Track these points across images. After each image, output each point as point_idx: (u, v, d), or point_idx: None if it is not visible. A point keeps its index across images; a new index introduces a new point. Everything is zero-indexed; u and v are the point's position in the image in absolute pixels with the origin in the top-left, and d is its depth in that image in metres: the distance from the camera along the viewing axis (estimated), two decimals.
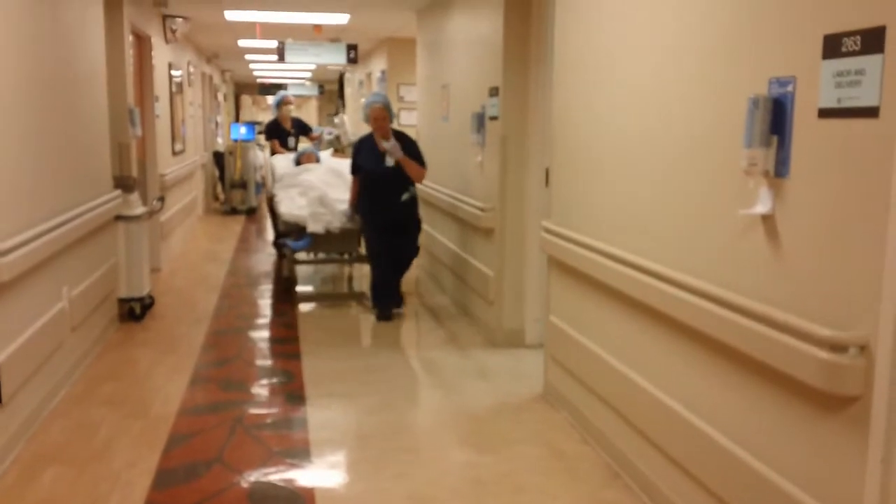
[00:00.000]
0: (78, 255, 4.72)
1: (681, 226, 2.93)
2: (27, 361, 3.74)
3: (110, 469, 3.47)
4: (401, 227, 6.16)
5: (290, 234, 6.76)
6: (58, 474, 3.42)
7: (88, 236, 4.94)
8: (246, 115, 24.95)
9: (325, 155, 8.48)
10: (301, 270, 7.67)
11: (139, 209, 5.96)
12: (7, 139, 3.62)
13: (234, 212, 13.00)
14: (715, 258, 2.69)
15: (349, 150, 8.46)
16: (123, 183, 5.88)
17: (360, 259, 7.05)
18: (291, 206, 6.73)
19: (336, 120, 13.37)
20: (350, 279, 7.84)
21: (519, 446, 3.77)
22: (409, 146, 6.11)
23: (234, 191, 13.22)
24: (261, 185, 12.87)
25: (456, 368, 4.97)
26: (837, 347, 2.07)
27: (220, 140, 15.81)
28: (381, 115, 6.06)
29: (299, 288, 7.24)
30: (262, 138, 11.24)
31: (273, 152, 9.12)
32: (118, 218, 5.72)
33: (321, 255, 7.18)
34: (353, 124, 12.30)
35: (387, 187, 6.08)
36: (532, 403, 4.33)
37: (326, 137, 10.14)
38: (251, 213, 12.90)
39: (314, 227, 6.48)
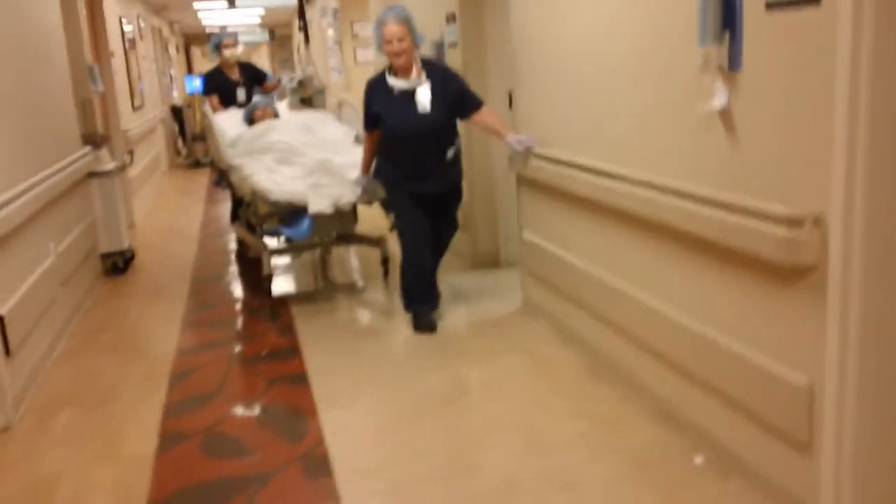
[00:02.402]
0: (58, 212, 4.80)
1: (642, 127, 3.09)
2: (27, 313, 3.86)
3: (120, 407, 3.64)
4: (442, 198, 4.41)
5: (272, 217, 5.05)
6: (71, 416, 3.58)
7: (66, 194, 5.00)
8: (198, 67, 24.55)
9: (283, 109, 6.64)
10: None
11: (110, 164, 6.00)
12: None
13: (197, 164, 12.98)
14: (676, 155, 2.86)
15: (320, 100, 6.99)
16: (92, 140, 5.91)
17: (350, 241, 5.54)
18: (273, 178, 4.84)
19: (298, 56, 10.49)
20: (325, 266, 5.95)
21: (502, 356, 3.97)
22: (450, 84, 4.25)
23: (195, 143, 13.17)
24: None
25: None
26: (794, 223, 2.27)
27: (175, 94, 15.63)
28: (399, 34, 4.09)
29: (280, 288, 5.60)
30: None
31: (215, 111, 6.56)
32: (91, 175, 5.77)
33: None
34: (321, 67, 10.41)
35: (425, 146, 4.22)
36: (512, 318, 4.51)
37: (288, 85, 7.70)
38: (214, 163, 12.86)
39: (319, 205, 4.58)
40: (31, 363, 3.86)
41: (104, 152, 6.03)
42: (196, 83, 13.21)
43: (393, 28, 4.09)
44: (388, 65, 4.24)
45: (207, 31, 20.76)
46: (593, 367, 3.70)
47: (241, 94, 6.89)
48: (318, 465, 2.97)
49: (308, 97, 7.17)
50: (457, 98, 4.23)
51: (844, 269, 2.18)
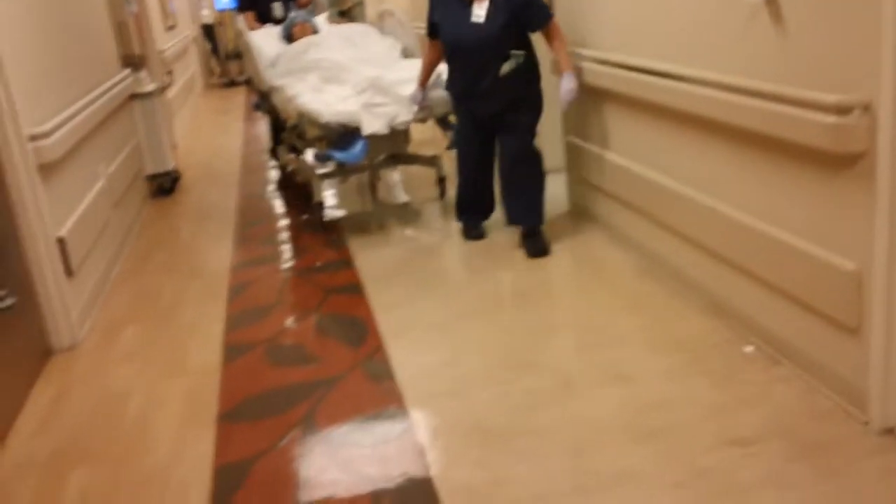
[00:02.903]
0: (105, 135, 4.89)
1: (688, 23, 3.05)
2: (85, 234, 3.99)
3: (182, 323, 3.78)
4: (500, 117, 4.04)
5: (321, 140, 4.71)
6: (135, 333, 3.74)
7: (111, 116, 5.08)
8: None
9: (322, 23, 6.25)
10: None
11: (150, 86, 6.05)
12: (25, 31, 3.73)
13: (232, 84, 12.98)
14: (724, 49, 2.83)
15: (359, 12, 6.48)
16: (130, 61, 5.96)
17: (403, 160, 5.28)
18: (322, 98, 4.58)
19: None
20: (375, 188, 5.71)
21: (553, 258, 4.03)
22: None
23: (229, 62, 13.13)
24: None
25: None
26: (843, 110, 2.26)
27: (205, 12, 15.49)
28: None
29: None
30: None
31: (251, 29, 6.27)
32: (133, 97, 5.83)
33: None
34: None
35: (476, 60, 3.95)
36: (560, 221, 4.53)
37: None
38: (250, 82, 12.85)
39: (374, 125, 4.36)
40: (92, 283, 4.02)
41: (143, 74, 6.08)
42: (226, 0, 13.07)
43: None
44: None
45: None
46: (643, 266, 3.75)
47: (278, 9, 6.58)
48: (379, 369, 3.09)
49: (346, 10, 6.70)
50: (520, 8, 3.87)
51: (893, 156, 2.18)
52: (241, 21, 6.23)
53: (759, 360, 2.83)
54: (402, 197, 5.53)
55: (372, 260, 4.30)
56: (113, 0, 6.12)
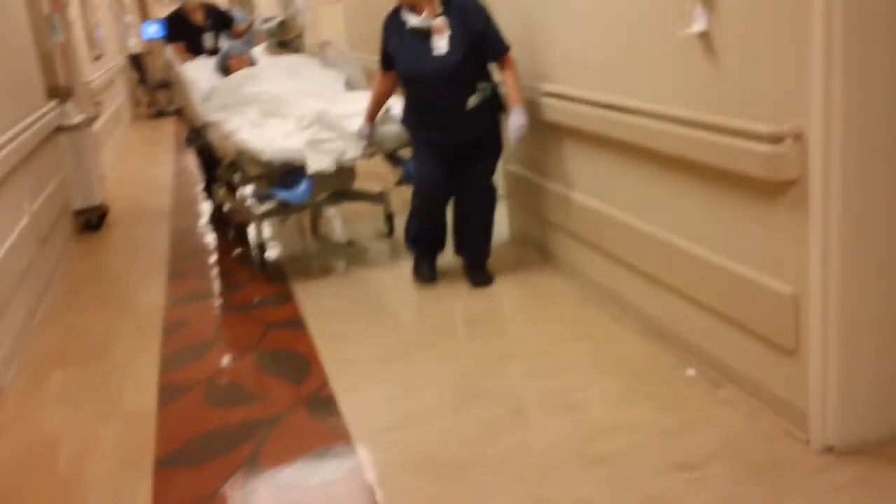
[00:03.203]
0: (30, 170, 4.72)
1: (627, 54, 3.10)
2: (9, 274, 3.84)
3: (116, 361, 3.66)
4: (463, 149, 3.88)
5: (261, 178, 4.55)
6: (65, 374, 3.59)
7: (36, 150, 4.92)
8: (154, 11, 23.86)
9: (259, 55, 5.98)
10: None
11: (78, 117, 5.90)
12: None
13: (161, 114, 12.76)
14: (661, 80, 2.89)
15: (298, 43, 6.16)
16: (57, 93, 5.79)
17: (349, 197, 4.91)
18: (263, 134, 4.31)
19: None
20: (316, 226, 5.40)
21: (497, 286, 4.02)
22: (473, 20, 3.73)
23: (158, 92, 12.91)
24: None
25: None
26: (775, 139, 2.32)
27: (132, 41, 15.23)
28: None
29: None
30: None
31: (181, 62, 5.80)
32: (59, 129, 5.67)
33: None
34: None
35: (439, 92, 3.79)
36: (502, 249, 4.50)
37: (262, 27, 6.58)
38: (180, 112, 12.66)
39: (320, 162, 4.11)
40: (17, 324, 3.86)
41: (70, 105, 5.92)
42: (154, 29, 12.87)
43: None
44: None
45: None
46: (585, 292, 3.78)
47: (208, 40, 6.26)
48: (324, 405, 3.03)
49: (289, 40, 6.25)
50: (479, 38, 3.71)
51: (825, 182, 2.25)
52: (171, 52, 6.00)
53: (701, 384, 2.87)
54: (346, 235, 5.32)
55: (313, 294, 4.23)
56: (38, 29, 5.96)
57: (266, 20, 6.27)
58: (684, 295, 2.98)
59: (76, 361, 3.71)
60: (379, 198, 4.98)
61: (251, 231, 4.54)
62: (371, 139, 4.21)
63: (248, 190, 4.64)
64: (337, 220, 5.66)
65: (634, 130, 3.04)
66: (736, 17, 2.45)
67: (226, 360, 3.57)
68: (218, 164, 5.26)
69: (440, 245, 4.17)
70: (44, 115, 5.20)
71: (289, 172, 4.21)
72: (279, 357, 3.54)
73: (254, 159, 4.25)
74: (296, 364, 3.42)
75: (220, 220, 5.88)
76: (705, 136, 2.59)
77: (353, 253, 4.91)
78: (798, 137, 2.29)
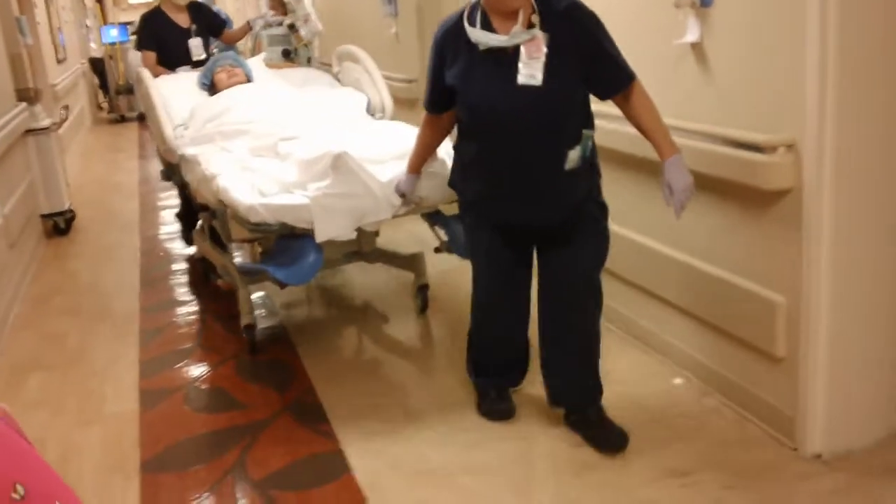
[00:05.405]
0: (0, 172, 4.64)
1: None
2: None
3: (94, 367, 3.59)
4: (552, 235, 2.60)
5: (251, 242, 3.73)
6: (43, 379, 3.51)
7: (6, 153, 4.83)
8: (111, 16, 23.56)
9: (258, 67, 4.58)
10: None
11: (46, 121, 5.79)
12: None
13: (123, 119, 12.57)
14: (657, 90, 2.91)
15: (303, 54, 4.77)
16: (25, 95, 5.69)
17: (369, 259, 3.90)
18: (254, 183, 3.02)
19: None
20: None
21: None
22: (584, 36, 2.41)
23: (119, 97, 12.72)
24: None
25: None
26: (769, 148, 2.38)
27: (93, 45, 15.02)
28: None
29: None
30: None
31: (155, 74, 4.53)
32: (27, 132, 5.56)
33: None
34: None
35: (524, 142, 2.45)
36: None
37: (263, 32, 5.00)
38: (143, 118, 12.50)
39: (335, 227, 2.89)
40: None
41: (39, 108, 5.82)
42: (114, 33, 12.68)
43: None
44: (473, 2, 2.50)
45: None
46: None
47: (194, 46, 5.04)
48: (311, 412, 3.00)
49: (294, 49, 4.74)
50: (591, 62, 2.43)
51: (818, 192, 2.30)
52: (140, 62, 4.92)
53: (689, 392, 2.90)
54: (362, 297, 4.14)
55: (291, 297, 4.19)
56: (7, 31, 5.85)
57: (268, 24, 4.92)
58: (673, 304, 3.02)
59: (53, 367, 3.62)
60: (410, 263, 3.76)
61: (242, 309, 3.52)
62: (411, 196, 2.96)
63: (234, 255, 3.72)
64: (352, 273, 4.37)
65: (626, 140, 3.07)
66: (729, 28, 2.50)
67: (205, 365, 3.50)
68: (200, 209, 4.07)
69: (518, 375, 2.92)
70: (13, 118, 5.10)
71: (288, 237, 3.04)
72: (262, 364, 3.49)
73: (241, 220, 3.00)
74: (280, 371, 3.37)
75: (204, 273, 4.62)
76: (698, 146, 2.63)
77: (371, 328, 3.85)
78: (791, 147, 2.35)
